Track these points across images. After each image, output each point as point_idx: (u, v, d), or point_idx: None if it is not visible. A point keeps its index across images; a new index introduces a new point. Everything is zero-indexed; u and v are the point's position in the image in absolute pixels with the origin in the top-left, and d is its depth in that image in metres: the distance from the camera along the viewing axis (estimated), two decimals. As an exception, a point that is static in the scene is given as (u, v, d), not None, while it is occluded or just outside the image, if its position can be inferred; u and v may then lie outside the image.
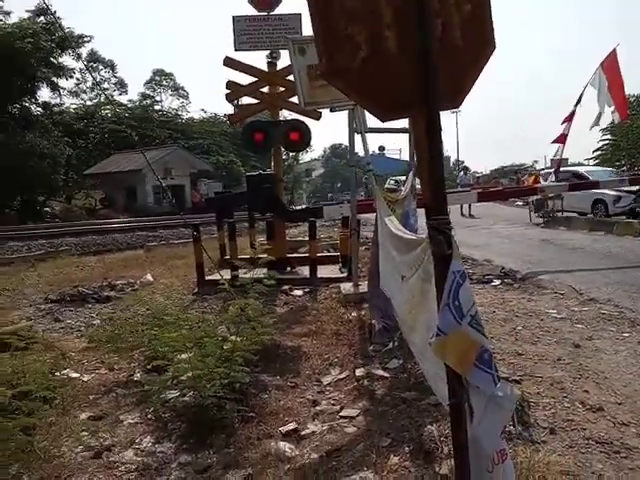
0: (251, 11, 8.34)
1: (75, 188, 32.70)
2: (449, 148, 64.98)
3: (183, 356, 3.99)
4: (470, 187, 21.88)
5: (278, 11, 8.37)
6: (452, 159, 61.11)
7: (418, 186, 5.10)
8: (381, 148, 77.28)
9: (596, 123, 13.22)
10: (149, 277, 7.76)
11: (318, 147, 73.60)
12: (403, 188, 7.13)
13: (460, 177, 24.50)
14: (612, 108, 12.67)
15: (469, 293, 1.78)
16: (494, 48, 1.93)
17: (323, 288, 6.89)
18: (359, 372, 4.33)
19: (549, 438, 2.96)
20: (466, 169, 27.71)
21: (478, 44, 1.91)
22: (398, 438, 3.16)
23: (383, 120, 2.43)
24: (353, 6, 1.87)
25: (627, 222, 12.02)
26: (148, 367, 4.35)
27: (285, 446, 3.28)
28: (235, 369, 3.74)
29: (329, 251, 9.40)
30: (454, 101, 1.98)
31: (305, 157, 56.97)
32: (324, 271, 7.65)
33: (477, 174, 30.33)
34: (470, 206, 18.52)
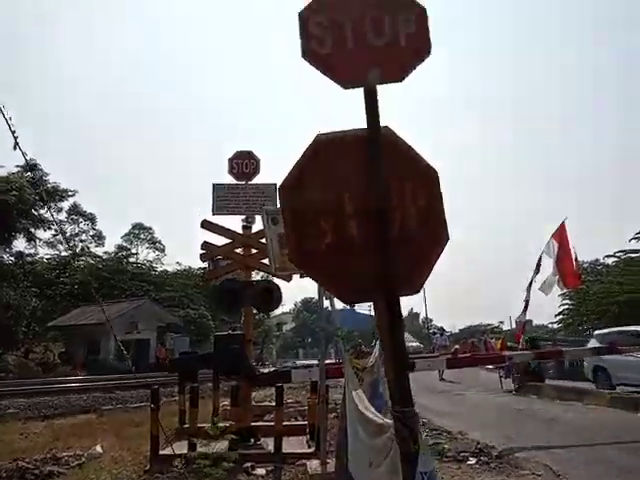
0: (230, 179, 9.00)
1: (35, 341, 31.28)
2: (415, 305, 66.21)
3: None
4: (446, 349, 21.86)
5: (255, 180, 9.06)
6: (421, 316, 61.98)
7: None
8: (352, 305, 78.34)
9: (548, 289, 13.91)
10: (98, 449, 7.05)
11: (289, 301, 74.13)
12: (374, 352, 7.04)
13: (436, 338, 24.59)
14: (557, 277, 13.53)
15: None
16: (448, 238, 2.09)
17: (289, 466, 6.33)
18: None
19: None
20: (442, 330, 28.02)
21: (433, 235, 2.08)
22: None
23: (345, 302, 2.51)
24: (321, 199, 2.06)
25: (597, 391, 11.93)
26: None
27: None
28: None
29: (297, 419, 8.88)
30: (413, 287, 2.09)
31: (276, 311, 57.02)
32: (291, 444, 7.13)
33: (447, 333, 30.49)
34: (443, 370, 18.34)
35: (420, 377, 16.79)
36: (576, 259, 18.04)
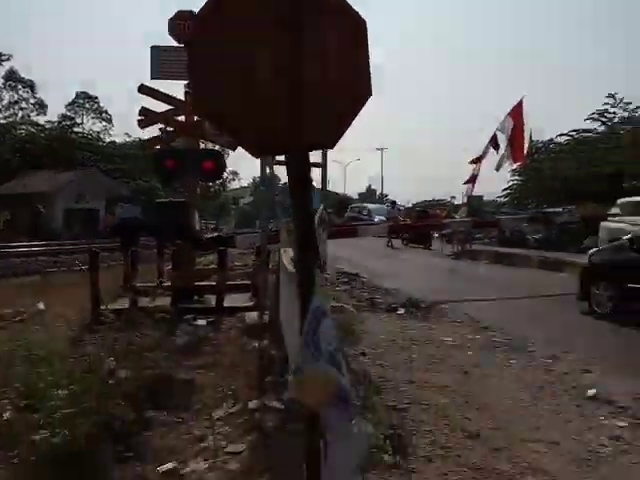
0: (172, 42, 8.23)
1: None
2: (374, 183, 67.25)
3: (59, 393, 3.69)
4: (396, 219, 22.68)
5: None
6: (377, 192, 63.23)
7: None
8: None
9: (499, 165, 14.15)
10: (41, 306, 7.21)
11: (247, 176, 73.51)
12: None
13: (388, 211, 25.43)
14: (507, 152, 13.71)
15: (330, 330, 1.76)
16: (369, 94, 1.97)
17: (229, 318, 6.73)
18: (252, 404, 4.21)
19: (425, 467, 3.00)
20: (394, 203, 28.69)
21: (354, 90, 1.96)
22: (279, 473, 3.07)
23: (256, 156, 2.42)
24: (231, 52, 1.88)
25: (526, 255, 12.90)
26: (21, 406, 3.98)
27: (160, 487, 3.09)
28: (115, 406, 3.50)
29: (242, 279, 9.25)
30: (328, 142, 2.03)
31: (233, 185, 56.53)
32: (234, 300, 7.49)
33: (401, 207, 31.60)
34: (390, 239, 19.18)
35: (369, 245, 17.59)
36: (531, 138, 18.28)
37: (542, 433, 3.41)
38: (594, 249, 7.36)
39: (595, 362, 4.72)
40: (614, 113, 18.69)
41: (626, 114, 17.73)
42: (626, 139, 16.36)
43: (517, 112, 13.29)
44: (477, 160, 14.90)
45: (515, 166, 15.04)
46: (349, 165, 65.24)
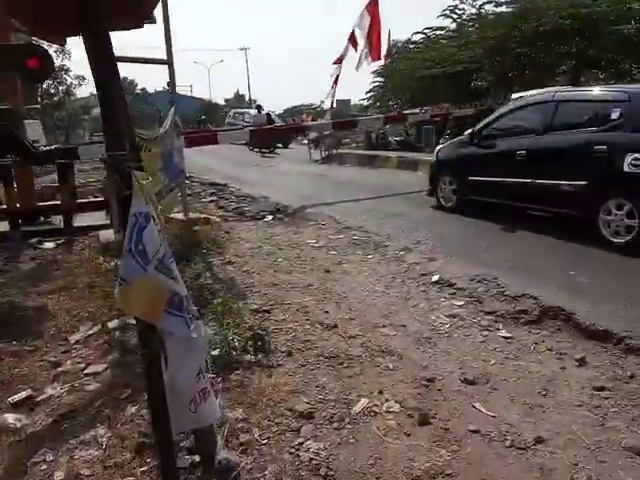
0: None
1: None
2: (241, 87, 64.46)
3: None
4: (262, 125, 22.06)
5: None
6: (246, 98, 60.87)
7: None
8: (169, 84, 72.60)
9: (359, 64, 14.12)
10: None
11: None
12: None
13: (254, 116, 24.45)
14: (365, 50, 13.68)
15: (154, 236, 1.62)
16: None
17: (81, 238, 6.20)
18: (112, 324, 4.02)
19: (285, 361, 3.13)
20: (259, 107, 27.60)
21: None
22: (139, 387, 3.00)
23: (41, 37, 2.03)
24: None
25: (386, 157, 13.51)
26: None
27: (11, 417, 2.87)
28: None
29: (96, 196, 8.50)
30: (131, 20, 1.74)
31: (83, 92, 50.18)
32: (87, 219, 6.88)
33: (273, 112, 30.73)
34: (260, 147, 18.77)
35: (243, 156, 17.11)
36: (389, 37, 18.26)
37: (392, 318, 3.73)
38: (441, 145, 7.77)
39: (440, 252, 5.20)
40: (463, 9, 19.10)
41: (474, 10, 18.29)
42: (474, 36, 17.10)
43: (374, 7, 13.12)
44: (338, 61, 14.71)
45: (373, 65, 15.03)
46: (213, 68, 61.21)
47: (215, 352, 3.09)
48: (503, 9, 16.46)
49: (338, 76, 14.87)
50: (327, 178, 11.73)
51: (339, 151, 16.40)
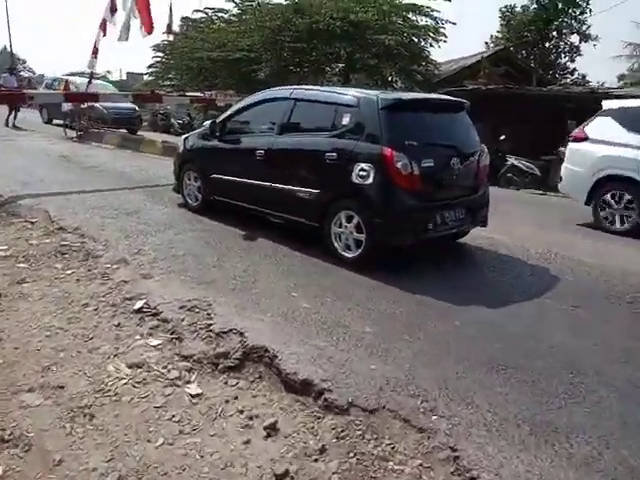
0: None
1: None
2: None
3: None
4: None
5: None
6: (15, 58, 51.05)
7: None
8: None
9: (124, 36, 12.30)
10: None
11: None
12: None
13: (4, 78, 20.04)
14: (139, 22, 12.04)
15: None
16: None
17: None
18: None
19: None
20: (12, 70, 22.92)
21: None
22: None
23: None
24: None
25: (151, 140, 12.10)
26: None
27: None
28: None
29: None
30: None
31: None
32: None
33: (21, 74, 25.68)
34: (16, 115, 15.20)
35: None
36: (170, 10, 16.58)
37: (52, 374, 2.69)
38: (191, 133, 6.72)
39: (161, 265, 4.28)
40: None
41: None
42: (252, 25, 16.72)
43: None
44: (101, 27, 12.60)
45: (146, 36, 13.31)
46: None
47: None
48: (281, 0, 16.33)
49: (96, 45, 12.73)
50: (71, 161, 9.80)
51: (104, 129, 14.17)
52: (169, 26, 21.69)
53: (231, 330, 3.08)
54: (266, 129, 5.26)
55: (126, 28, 12.39)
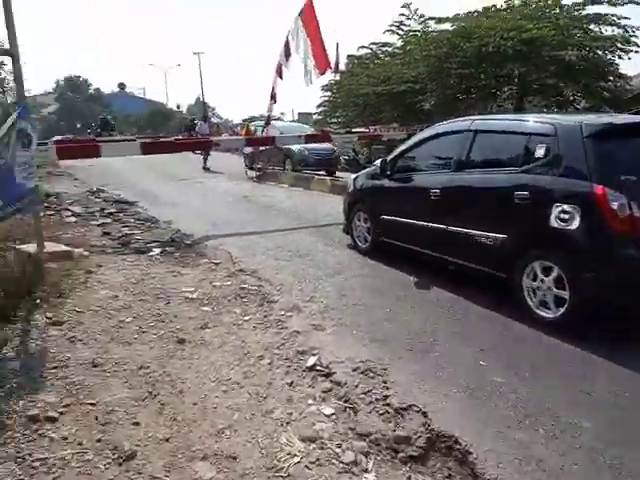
0: None
1: None
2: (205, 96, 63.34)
3: None
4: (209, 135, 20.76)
5: None
6: (207, 105, 59.48)
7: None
8: (121, 85, 69.86)
9: (309, 79, 12.88)
10: None
11: (50, 79, 62.14)
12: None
13: (199, 125, 23.16)
14: (313, 63, 12.62)
15: None
16: None
17: None
18: None
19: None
20: (206, 118, 26.40)
21: None
22: None
23: None
24: None
25: (321, 179, 12.47)
26: None
27: None
28: None
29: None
30: None
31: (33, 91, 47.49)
32: None
33: (215, 121, 29.41)
34: (206, 159, 17.27)
35: (177, 170, 15.64)
36: (337, 49, 17.35)
37: (225, 440, 2.58)
38: (361, 173, 6.41)
39: (332, 316, 4.11)
40: (409, 25, 18.39)
41: (420, 27, 17.54)
42: (417, 55, 16.42)
43: (308, 14, 12.05)
44: (277, 72, 13.55)
45: (323, 79, 13.89)
46: (171, 72, 59.92)
47: None
48: (447, 27, 15.82)
49: (274, 90, 13.73)
50: (250, 200, 10.54)
51: (276, 169, 15.16)
52: (336, 65, 22.68)
53: (411, 406, 2.68)
54: (441, 166, 4.85)
55: (308, 72, 13.05)
